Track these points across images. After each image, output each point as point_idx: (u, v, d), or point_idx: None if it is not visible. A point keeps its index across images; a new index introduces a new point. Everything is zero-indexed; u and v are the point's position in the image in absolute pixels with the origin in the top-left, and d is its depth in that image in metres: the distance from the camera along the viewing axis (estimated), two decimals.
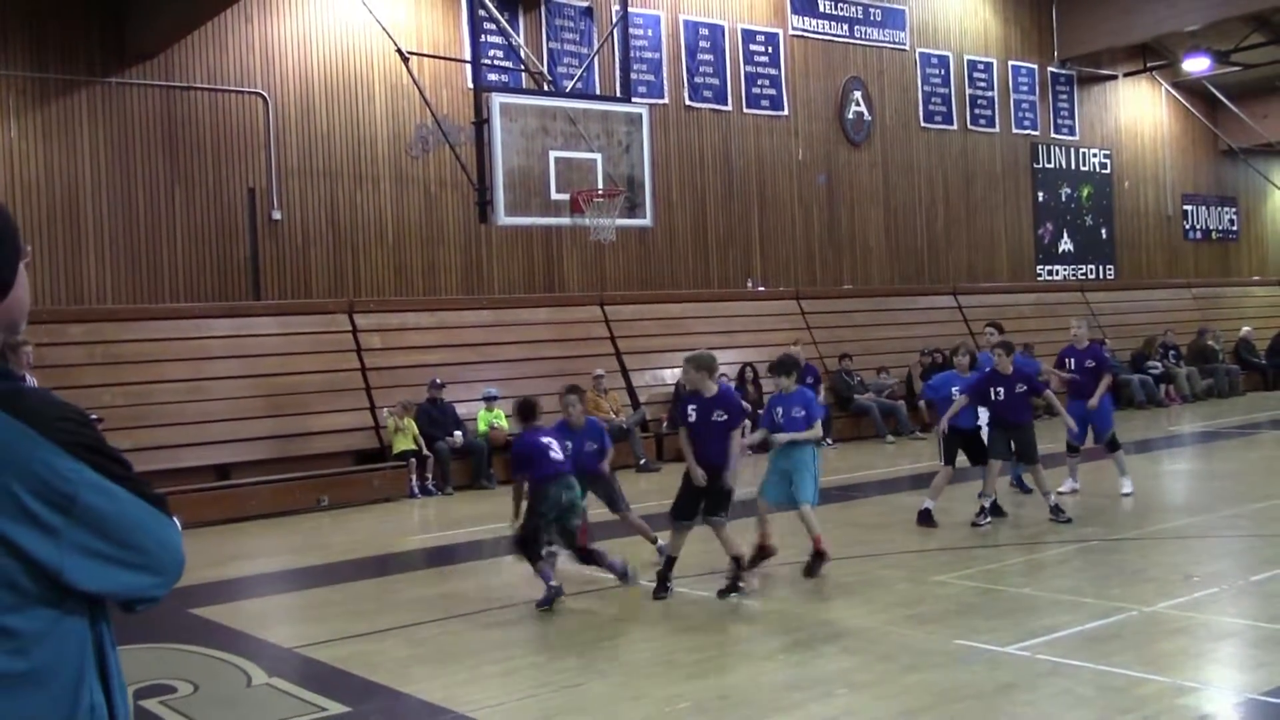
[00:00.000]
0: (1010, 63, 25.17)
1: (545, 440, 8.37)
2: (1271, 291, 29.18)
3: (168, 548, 1.82)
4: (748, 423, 9.51)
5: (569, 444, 8.61)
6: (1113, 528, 10.31)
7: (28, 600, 1.68)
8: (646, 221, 15.81)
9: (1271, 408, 21.16)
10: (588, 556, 8.50)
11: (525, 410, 8.60)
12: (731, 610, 8.08)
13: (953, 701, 5.78)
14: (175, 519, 1.86)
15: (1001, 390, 10.59)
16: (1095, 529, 10.25)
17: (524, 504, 8.30)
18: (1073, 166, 26.51)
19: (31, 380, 9.45)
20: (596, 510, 9.44)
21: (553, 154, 14.38)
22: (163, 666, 7.12)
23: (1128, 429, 19.35)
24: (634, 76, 17.55)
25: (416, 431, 14.85)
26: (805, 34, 21.77)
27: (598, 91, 18.17)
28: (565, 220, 14.86)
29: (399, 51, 15.77)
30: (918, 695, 5.92)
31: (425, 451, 14.79)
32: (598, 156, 14.71)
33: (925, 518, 10.60)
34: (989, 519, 10.49)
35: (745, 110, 20.90)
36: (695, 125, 20.34)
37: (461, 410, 15.57)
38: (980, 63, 24.59)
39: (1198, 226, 29.52)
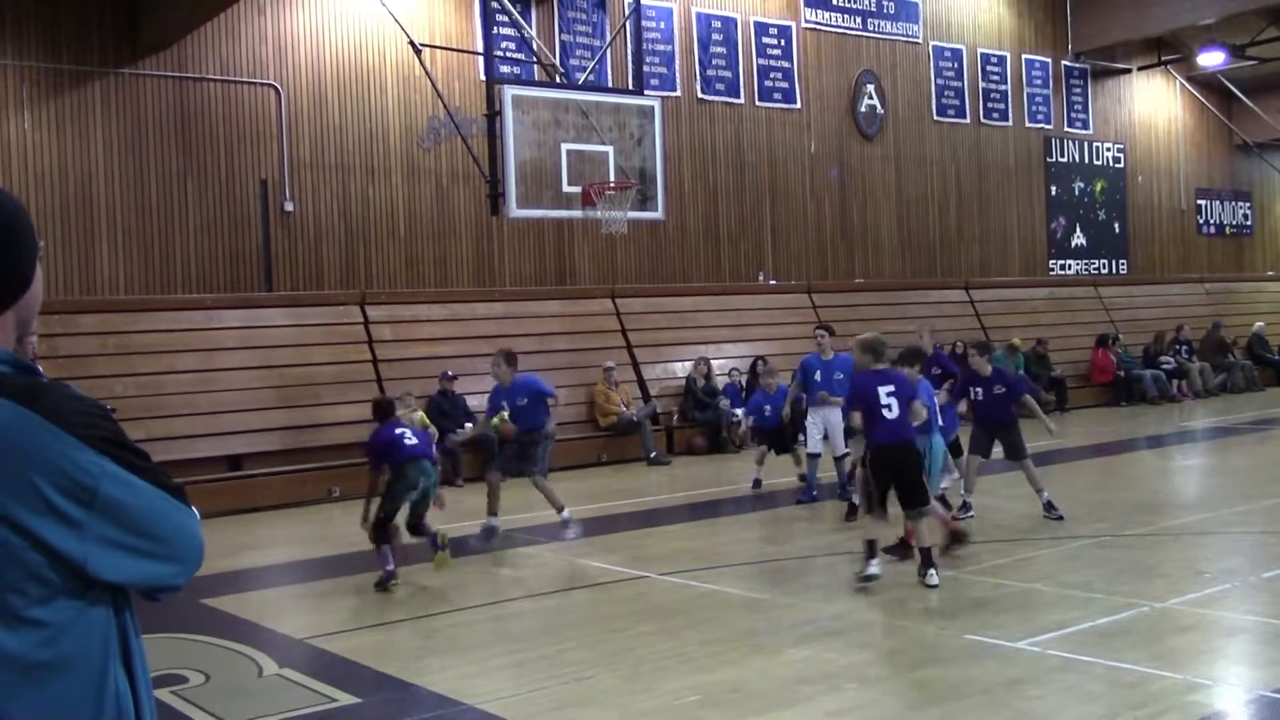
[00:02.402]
0: (1024, 56, 25.07)
1: (399, 431, 9.23)
2: None
3: (187, 536, 1.85)
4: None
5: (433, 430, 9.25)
6: (1124, 523, 10.28)
7: (54, 592, 1.72)
8: (658, 214, 15.79)
9: None
10: (419, 530, 9.38)
11: (381, 409, 9.55)
12: (742, 604, 8.08)
13: (962, 696, 5.78)
14: (194, 508, 1.88)
15: (980, 391, 10.71)
16: (1106, 525, 10.23)
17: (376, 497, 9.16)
18: (1086, 160, 26.40)
19: None
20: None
21: (564, 146, 14.38)
22: (174, 656, 7.15)
23: (1141, 424, 19.37)
24: (646, 69, 17.51)
25: (428, 423, 14.86)
26: (818, 27, 21.71)
27: (610, 84, 18.17)
28: (577, 213, 14.85)
29: (411, 43, 15.76)
30: (927, 690, 5.92)
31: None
32: (610, 149, 14.70)
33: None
34: (971, 512, 10.64)
35: (758, 103, 20.86)
36: (707, 118, 20.30)
37: (472, 402, 15.57)
38: (994, 56, 24.50)
39: (1211, 221, 29.38)
